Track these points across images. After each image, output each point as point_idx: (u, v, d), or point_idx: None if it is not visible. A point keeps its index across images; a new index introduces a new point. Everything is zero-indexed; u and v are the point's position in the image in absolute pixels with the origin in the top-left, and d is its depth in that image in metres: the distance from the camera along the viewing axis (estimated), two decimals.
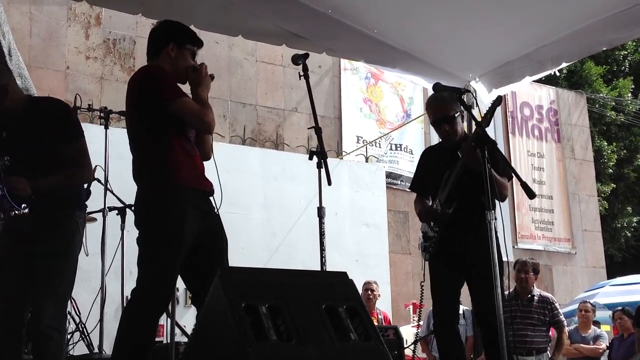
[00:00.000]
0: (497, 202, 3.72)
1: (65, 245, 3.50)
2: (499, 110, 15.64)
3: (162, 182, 3.19)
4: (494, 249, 3.49)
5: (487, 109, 3.83)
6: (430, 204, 4.23)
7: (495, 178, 3.77)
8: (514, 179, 3.80)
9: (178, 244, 3.10)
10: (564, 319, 6.44)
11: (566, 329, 6.66)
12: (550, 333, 6.44)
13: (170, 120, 3.18)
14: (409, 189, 4.64)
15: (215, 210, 3.33)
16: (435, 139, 11.97)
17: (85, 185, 5.15)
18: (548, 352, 6.31)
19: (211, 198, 3.35)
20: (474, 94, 5.11)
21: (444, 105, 4.13)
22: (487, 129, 3.75)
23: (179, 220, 3.12)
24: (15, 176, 3.35)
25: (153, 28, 3.47)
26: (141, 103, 3.21)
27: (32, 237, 3.41)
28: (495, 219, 3.61)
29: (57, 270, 3.45)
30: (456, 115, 4.12)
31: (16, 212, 3.32)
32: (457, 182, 3.99)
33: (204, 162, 3.43)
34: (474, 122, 4.35)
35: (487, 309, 3.93)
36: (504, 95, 11.78)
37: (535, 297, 6.22)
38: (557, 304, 6.37)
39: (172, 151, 3.20)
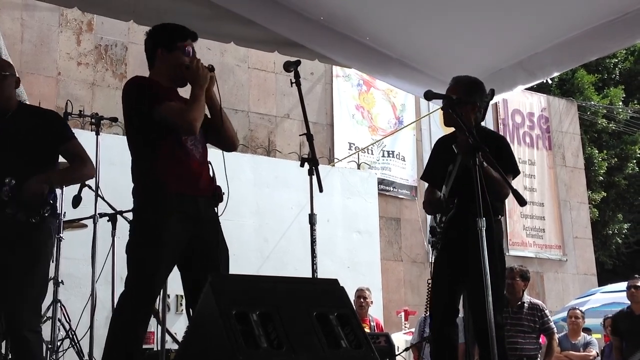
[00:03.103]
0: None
1: (39, 249, 3.53)
2: (490, 117, 15.53)
3: (146, 189, 3.22)
4: (485, 256, 3.47)
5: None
6: (439, 195, 4.13)
7: (496, 177, 3.70)
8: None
9: (157, 250, 3.11)
10: (554, 325, 6.45)
11: (556, 336, 6.66)
12: (541, 340, 6.45)
13: (158, 127, 3.18)
14: (420, 178, 4.67)
15: (209, 215, 3.30)
16: (427, 146, 12.02)
17: (77, 191, 5.17)
18: (538, 359, 6.32)
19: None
20: None
21: (463, 88, 4.05)
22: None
23: (157, 226, 3.13)
24: (25, 185, 3.41)
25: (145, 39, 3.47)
26: (129, 112, 3.26)
27: (4, 241, 3.43)
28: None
29: (30, 274, 3.47)
30: (468, 103, 4.00)
31: (34, 219, 3.43)
32: (459, 177, 3.91)
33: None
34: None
35: (478, 315, 3.91)
36: (496, 102, 11.79)
37: (526, 304, 6.23)
38: (547, 311, 6.37)
39: (158, 157, 3.20)
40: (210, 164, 3.42)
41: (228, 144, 3.45)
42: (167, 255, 3.14)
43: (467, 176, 3.78)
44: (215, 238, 3.28)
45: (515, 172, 4.07)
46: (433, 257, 4.14)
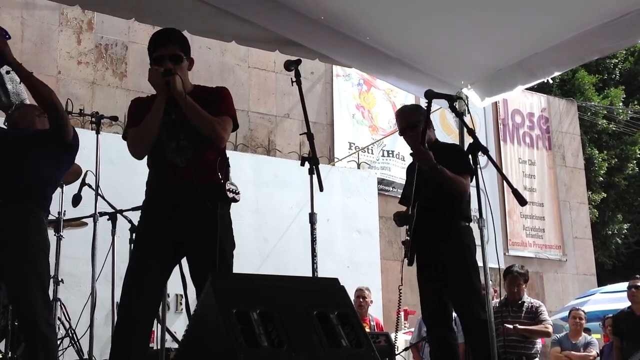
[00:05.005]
0: (488, 206, 3.79)
1: (42, 241, 3.57)
2: (490, 117, 15.49)
3: None
4: (486, 256, 3.52)
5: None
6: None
7: (450, 177, 4.07)
8: (505, 185, 3.86)
9: (134, 255, 3.29)
10: (549, 318, 6.43)
11: (551, 329, 6.59)
12: (541, 341, 6.45)
13: None
14: (399, 202, 4.90)
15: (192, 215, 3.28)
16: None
17: (77, 190, 5.18)
18: (537, 359, 6.32)
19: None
20: (466, 101, 5.14)
21: (406, 114, 4.47)
22: (478, 135, 3.82)
23: (137, 235, 3.41)
24: None
25: None
26: None
27: (4, 236, 3.46)
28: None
29: (39, 263, 3.51)
30: (418, 122, 4.34)
31: None
32: (417, 186, 4.31)
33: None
34: (465, 129, 4.39)
35: (468, 323, 4.02)
36: (496, 102, 11.75)
37: (526, 304, 6.27)
38: (544, 309, 6.38)
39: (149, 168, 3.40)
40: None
41: (210, 138, 3.29)
42: (142, 259, 3.30)
43: (424, 186, 4.22)
44: (201, 236, 3.27)
45: (471, 172, 4.22)
46: (409, 266, 4.40)
